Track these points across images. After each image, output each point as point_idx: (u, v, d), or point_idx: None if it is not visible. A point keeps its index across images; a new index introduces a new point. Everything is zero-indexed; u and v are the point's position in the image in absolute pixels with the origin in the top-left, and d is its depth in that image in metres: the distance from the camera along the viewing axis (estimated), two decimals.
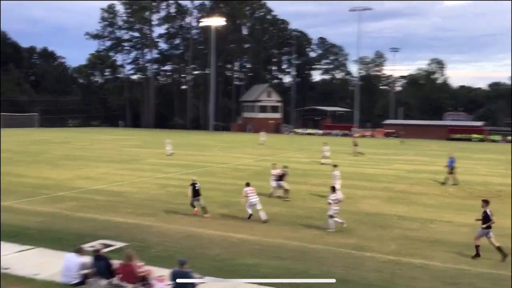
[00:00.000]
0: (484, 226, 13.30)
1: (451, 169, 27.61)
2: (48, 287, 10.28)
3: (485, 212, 13.38)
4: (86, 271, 10.54)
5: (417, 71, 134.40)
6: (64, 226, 16.12)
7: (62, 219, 17.07)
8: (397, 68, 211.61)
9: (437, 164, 35.39)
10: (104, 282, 10.46)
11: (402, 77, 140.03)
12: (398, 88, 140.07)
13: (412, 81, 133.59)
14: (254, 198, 17.28)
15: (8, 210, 18.41)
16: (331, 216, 16.10)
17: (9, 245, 13.25)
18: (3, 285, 10.19)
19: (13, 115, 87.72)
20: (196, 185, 18.10)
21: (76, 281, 10.40)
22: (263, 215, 17.08)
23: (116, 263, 10.45)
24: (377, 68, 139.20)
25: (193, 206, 18.06)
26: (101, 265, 10.40)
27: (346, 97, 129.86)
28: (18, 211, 18.24)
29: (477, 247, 13.36)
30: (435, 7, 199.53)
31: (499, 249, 13.25)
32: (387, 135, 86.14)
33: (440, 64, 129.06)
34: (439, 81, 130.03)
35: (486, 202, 13.80)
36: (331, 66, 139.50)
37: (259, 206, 17.22)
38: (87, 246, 13.00)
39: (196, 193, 17.97)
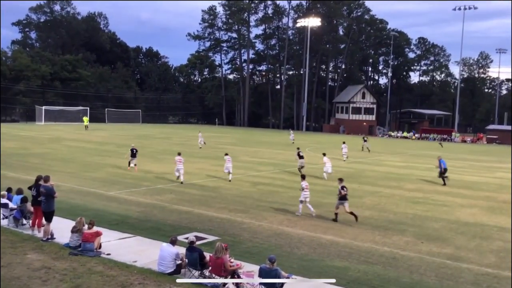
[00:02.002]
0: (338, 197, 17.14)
1: (443, 169, 28.17)
2: (145, 274, 10.83)
3: (341, 187, 17.12)
4: (179, 262, 11.09)
5: None
6: (162, 217, 17.03)
7: (160, 210, 18.05)
8: (504, 71, 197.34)
9: None
10: (196, 273, 10.93)
11: (509, 80, 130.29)
12: (504, 92, 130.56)
13: None
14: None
15: (112, 199, 19.84)
16: (301, 201, 17.90)
17: (111, 232, 14.24)
18: (105, 270, 10.96)
19: (119, 111, 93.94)
20: (134, 150, 28.27)
21: (170, 270, 10.96)
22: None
23: (208, 255, 10.87)
24: (481, 70, 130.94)
25: (129, 165, 28.15)
26: (194, 257, 10.85)
27: (446, 100, 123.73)
28: (121, 201, 19.56)
29: (336, 214, 17.16)
30: None
31: (351, 213, 16.89)
32: (490, 141, 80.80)
33: None
34: None
35: (340, 180, 17.90)
36: (430, 67, 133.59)
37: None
38: (182, 238, 13.67)
39: (134, 155, 28.12)
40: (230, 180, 25.18)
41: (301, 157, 30.19)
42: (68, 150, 38.34)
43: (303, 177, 18.98)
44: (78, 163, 30.52)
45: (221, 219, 17.07)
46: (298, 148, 32.22)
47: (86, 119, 71.86)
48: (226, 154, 27.12)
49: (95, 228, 12.53)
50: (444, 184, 27.52)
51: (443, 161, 28.54)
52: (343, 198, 17.00)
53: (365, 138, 52.31)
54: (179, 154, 25.03)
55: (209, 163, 33.00)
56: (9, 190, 15.99)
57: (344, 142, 40.93)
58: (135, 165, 28.23)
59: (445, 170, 28.22)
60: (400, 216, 18.74)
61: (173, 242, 11.35)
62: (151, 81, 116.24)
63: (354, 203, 20.64)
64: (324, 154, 29.81)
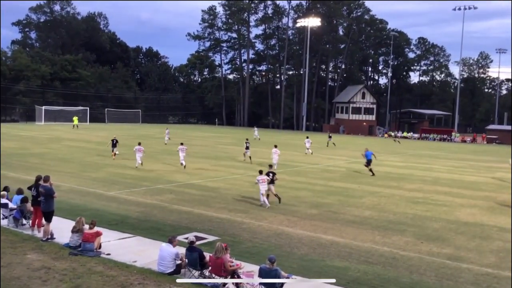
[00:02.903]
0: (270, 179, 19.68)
1: (367, 161, 30.53)
2: (145, 274, 10.83)
3: (268, 173, 19.79)
4: (179, 262, 11.09)
5: None
6: (162, 217, 17.04)
7: (160, 210, 18.05)
8: (504, 71, 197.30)
9: None
10: (196, 273, 10.94)
11: (509, 80, 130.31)
12: (504, 92, 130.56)
13: None
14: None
15: (112, 199, 19.84)
16: (262, 194, 19.45)
17: (111, 232, 14.25)
18: (105, 270, 10.97)
19: (118, 111, 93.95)
20: (114, 140, 34.03)
21: (170, 270, 10.97)
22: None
23: (208, 255, 10.87)
24: (481, 70, 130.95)
25: (112, 151, 33.39)
26: (194, 257, 10.86)
27: (445, 100, 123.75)
28: (121, 201, 19.56)
29: (267, 196, 19.47)
30: None
31: (276, 195, 19.70)
32: (490, 141, 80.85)
33: None
34: None
35: (270, 166, 21.80)
36: (430, 67, 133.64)
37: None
38: (182, 238, 13.67)
39: (114, 145, 33.56)
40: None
41: (247, 148, 35.47)
42: (68, 150, 38.35)
43: (260, 172, 20.21)
44: (78, 163, 30.52)
45: (221, 219, 17.08)
46: (246, 139, 38.54)
47: (75, 118, 74.69)
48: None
49: (96, 228, 12.53)
50: (373, 174, 29.60)
51: (368, 153, 30.77)
52: (271, 182, 19.80)
53: (330, 135, 58.13)
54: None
55: (209, 163, 33.02)
56: (6, 189, 15.92)
57: (307, 137, 43.86)
58: (115, 154, 33.73)
59: (369, 161, 30.39)
60: (400, 216, 18.74)
61: (172, 242, 11.33)
62: (151, 81, 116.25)
63: (354, 203, 20.69)
64: (275, 146, 32.43)
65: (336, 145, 55.00)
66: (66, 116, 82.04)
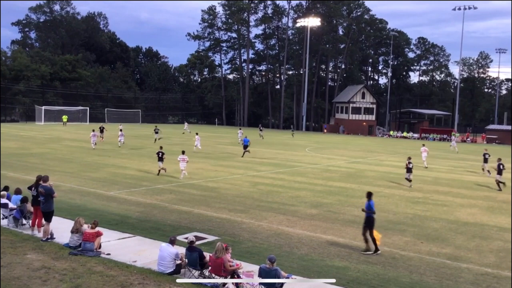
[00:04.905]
0: None
1: (244, 146, 37.66)
2: (145, 274, 10.83)
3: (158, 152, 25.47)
4: (179, 261, 11.10)
5: None
6: (162, 217, 17.05)
7: (160, 210, 18.06)
8: (504, 70, 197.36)
9: None
10: (196, 273, 10.94)
11: (508, 80, 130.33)
12: (504, 92, 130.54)
13: None
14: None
15: (112, 199, 19.85)
16: (182, 171, 25.75)
17: (111, 232, 14.26)
18: (105, 270, 10.97)
19: (118, 111, 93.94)
20: (102, 127, 42.13)
21: (170, 270, 10.97)
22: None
23: (208, 255, 10.87)
24: (481, 70, 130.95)
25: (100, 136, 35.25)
26: (194, 257, 10.87)
27: (445, 99, 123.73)
28: (121, 201, 19.57)
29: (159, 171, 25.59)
30: None
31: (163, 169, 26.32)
32: (489, 141, 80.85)
33: None
34: None
35: (183, 152, 26.88)
36: (430, 67, 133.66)
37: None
38: (182, 238, 13.68)
39: (101, 131, 35.67)
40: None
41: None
42: (67, 150, 38.36)
43: (182, 152, 26.36)
44: (78, 163, 30.53)
45: (221, 219, 17.08)
46: (196, 133, 42.44)
47: (65, 117, 79.05)
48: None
49: (97, 229, 12.53)
50: (243, 155, 37.03)
51: (246, 139, 38.39)
52: (160, 159, 26.60)
53: (261, 128, 64.40)
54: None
55: (209, 163, 33.02)
56: (6, 189, 15.91)
57: (240, 129, 49.55)
58: (102, 138, 43.94)
59: (246, 146, 37.55)
60: (400, 216, 18.75)
61: (172, 242, 11.36)
62: (150, 81, 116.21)
63: (354, 203, 20.69)
64: (196, 133, 40.99)
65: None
66: (67, 116, 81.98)
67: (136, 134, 60.59)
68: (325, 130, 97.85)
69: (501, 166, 26.50)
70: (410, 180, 26.29)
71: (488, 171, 31.82)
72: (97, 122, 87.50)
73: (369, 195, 14.06)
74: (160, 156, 27.08)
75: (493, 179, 27.76)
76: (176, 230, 14.79)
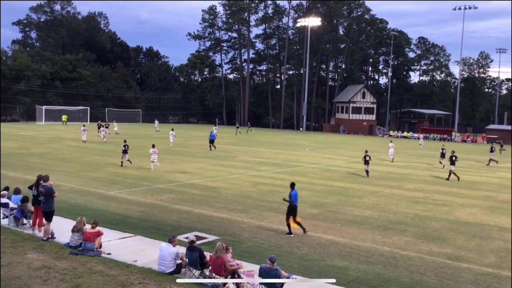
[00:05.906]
0: None
1: (210, 140, 42.19)
2: (146, 273, 10.83)
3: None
4: (180, 261, 11.10)
5: None
6: (162, 216, 17.05)
7: (160, 210, 18.06)
8: (504, 70, 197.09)
9: None
10: (196, 272, 10.94)
11: (509, 79, 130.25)
12: (504, 92, 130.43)
13: None
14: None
15: (112, 199, 19.86)
16: (152, 162, 28.44)
17: (111, 232, 14.26)
18: (105, 269, 10.97)
19: (119, 111, 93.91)
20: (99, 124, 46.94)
21: (170, 270, 10.97)
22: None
23: (208, 255, 10.87)
24: (481, 70, 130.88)
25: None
26: (194, 256, 10.87)
27: (446, 99, 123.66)
28: (121, 201, 19.57)
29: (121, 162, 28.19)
30: None
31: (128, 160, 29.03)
32: (490, 140, 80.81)
33: None
34: None
35: (124, 142, 29.51)
36: (430, 67, 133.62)
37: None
38: (182, 237, 13.68)
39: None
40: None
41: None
42: (68, 150, 38.36)
43: (153, 146, 29.23)
44: (78, 163, 30.54)
45: (221, 219, 17.09)
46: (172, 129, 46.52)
47: (64, 117, 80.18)
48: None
49: (97, 228, 12.54)
50: (210, 149, 41.04)
51: (212, 134, 42.86)
52: (124, 152, 29.60)
53: (237, 125, 72.10)
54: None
55: (209, 163, 33.02)
56: (6, 188, 15.93)
57: (216, 125, 51.96)
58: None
59: (212, 141, 41.39)
60: (400, 216, 18.75)
61: (172, 241, 11.33)
62: (151, 81, 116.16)
63: (354, 203, 20.71)
64: (172, 129, 46.43)
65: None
66: (67, 115, 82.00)
67: (136, 134, 60.60)
68: (301, 129, 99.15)
69: (453, 158, 29.42)
70: (367, 172, 28.84)
71: (441, 162, 35.46)
72: (97, 122, 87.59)
73: (292, 185, 15.52)
74: (125, 149, 30.13)
75: (447, 171, 30.24)
76: (176, 230, 14.79)
